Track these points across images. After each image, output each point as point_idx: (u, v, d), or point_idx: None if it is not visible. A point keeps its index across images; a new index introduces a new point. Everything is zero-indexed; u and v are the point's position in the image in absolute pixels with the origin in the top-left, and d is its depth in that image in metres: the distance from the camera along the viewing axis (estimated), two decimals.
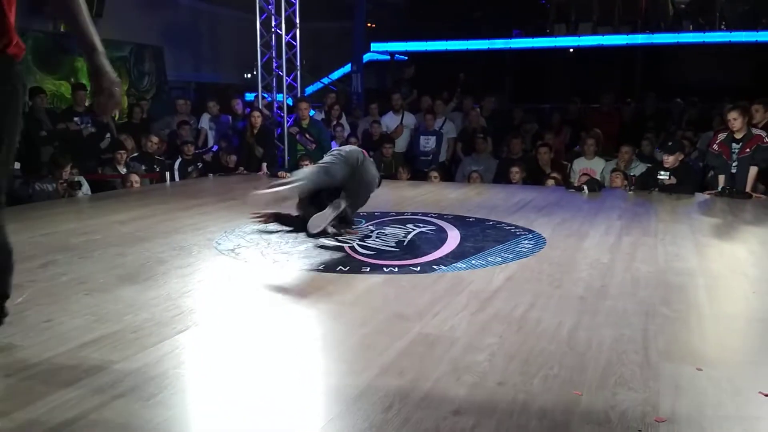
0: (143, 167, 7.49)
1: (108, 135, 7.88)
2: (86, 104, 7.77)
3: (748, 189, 6.15)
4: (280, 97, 8.97)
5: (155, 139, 7.80)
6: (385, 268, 3.60)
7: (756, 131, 6.20)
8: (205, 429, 1.88)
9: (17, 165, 6.97)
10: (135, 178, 6.94)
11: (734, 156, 6.21)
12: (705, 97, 10.14)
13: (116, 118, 9.09)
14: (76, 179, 6.39)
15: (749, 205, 5.85)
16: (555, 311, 2.86)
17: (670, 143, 6.71)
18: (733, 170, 6.24)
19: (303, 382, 2.17)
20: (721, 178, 6.34)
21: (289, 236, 4.43)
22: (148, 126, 8.67)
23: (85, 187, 6.55)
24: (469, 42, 13.18)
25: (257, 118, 8.03)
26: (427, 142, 8.56)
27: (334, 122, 9.11)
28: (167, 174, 7.62)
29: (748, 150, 6.11)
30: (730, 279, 3.50)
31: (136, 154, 7.71)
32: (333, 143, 8.52)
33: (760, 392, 2.07)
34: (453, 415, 1.90)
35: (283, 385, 2.14)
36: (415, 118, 9.17)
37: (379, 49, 14.08)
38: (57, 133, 7.32)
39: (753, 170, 6.15)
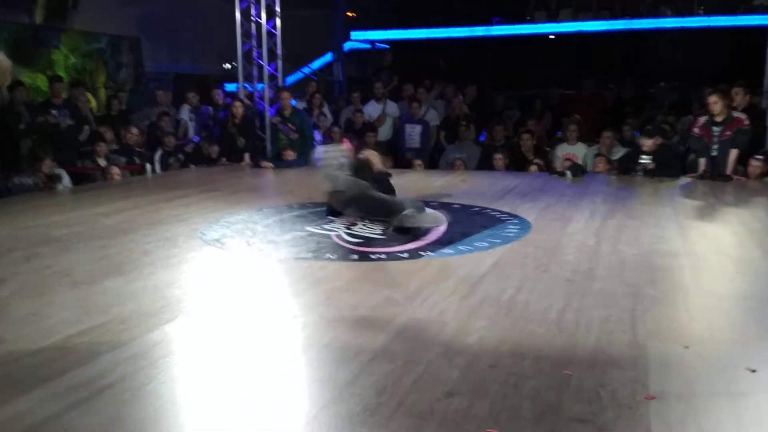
0: (124, 159, 7.40)
1: (86, 127, 7.77)
2: (63, 96, 7.66)
3: (728, 171, 6.22)
4: (261, 86, 8.90)
5: (135, 131, 7.70)
6: (373, 256, 3.60)
7: (736, 114, 6.26)
8: (197, 417, 1.86)
9: None
10: (116, 170, 6.86)
11: (715, 139, 6.26)
12: (684, 81, 10.22)
13: (94, 110, 8.97)
14: (55, 172, 6.30)
15: (730, 187, 5.92)
16: (543, 294, 2.87)
17: (649, 127, 6.76)
18: (714, 153, 6.30)
19: (295, 369, 2.17)
20: (702, 161, 6.40)
21: (274, 225, 4.41)
22: (127, 118, 8.55)
23: (66, 180, 6.47)
24: (450, 30, 13.15)
25: (238, 108, 7.98)
26: (413, 130, 8.54)
27: (317, 111, 9.06)
28: (148, 166, 7.54)
29: (728, 133, 6.17)
30: (714, 260, 3.53)
31: (116, 147, 7.61)
32: (315, 132, 8.49)
33: (747, 368, 2.10)
34: (446, 397, 1.91)
35: (275, 372, 2.14)
36: (398, 107, 9.14)
37: (359, 38, 14.02)
38: (36, 126, 7.20)
39: (733, 153, 6.21)
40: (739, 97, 6.54)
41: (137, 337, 2.40)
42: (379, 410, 1.84)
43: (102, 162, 7.13)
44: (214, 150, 8.05)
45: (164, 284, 3.06)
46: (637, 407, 1.86)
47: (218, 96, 8.91)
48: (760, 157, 6.27)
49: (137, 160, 7.55)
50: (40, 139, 6.99)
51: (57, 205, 5.46)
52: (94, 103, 9.40)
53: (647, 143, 6.44)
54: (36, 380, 2.04)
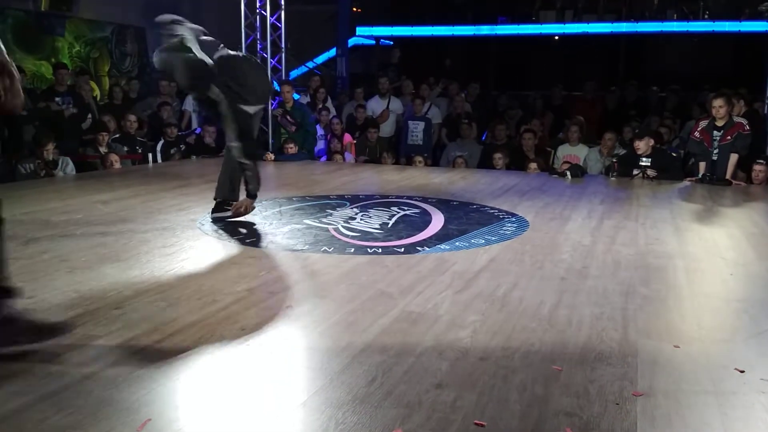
0: (125, 148, 7.41)
1: (89, 116, 7.79)
2: (68, 84, 7.68)
3: (728, 176, 6.23)
4: None
5: (133, 118, 7.67)
6: (369, 249, 3.61)
7: (737, 119, 6.27)
8: (188, 402, 1.88)
9: None
10: (114, 157, 6.86)
11: (715, 143, 6.27)
12: (686, 85, 10.21)
13: (98, 99, 8.97)
14: (52, 158, 6.30)
15: (729, 192, 5.93)
16: (537, 291, 2.89)
17: (636, 130, 6.82)
18: (714, 157, 6.31)
19: (287, 357, 2.19)
20: (702, 165, 6.40)
21: (273, 218, 4.42)
22: (130, 107, 8.56)
23: (70, 167, 6.47)
24: (455, 28, 13.12)
25: None
26: (416, 127, 8.54)
27: (320, 106, 9.06)
28: (149, 155, 7.55)
29: (729, 137, 6.18)
30: (708, 262, 3.55)
31: (117, 135, 7.62)
32: (318, 127, 8.50)
33: (735, 368, 2.11)
34: (435, 389, 1.93)
35: (269, 359, 2.16)
36: (401, 103, 9.14)
37: (364, 34, 13.99)
38: (37, 113, 7.21)
39: (733, 157, 6.23)
40: (738, 106, 6.55)
41: (132, 322, 2.42)
42: (367, 399, 1.86)
43: (103, 150, 7.13)
44: (211, 132, 8.00)
45: (161, 272, 3.09)
46: (624, 403, 1.88)
47: None
48: (762, 161, 6.28)
49: (139, 150, 7.56)
50: (42, 125, 7.00)
51: (57, 192, 5.47)
52: (97, 92, 9.41)
53: (640, 145, 6.48)
54: (32, 362, 2.06)
